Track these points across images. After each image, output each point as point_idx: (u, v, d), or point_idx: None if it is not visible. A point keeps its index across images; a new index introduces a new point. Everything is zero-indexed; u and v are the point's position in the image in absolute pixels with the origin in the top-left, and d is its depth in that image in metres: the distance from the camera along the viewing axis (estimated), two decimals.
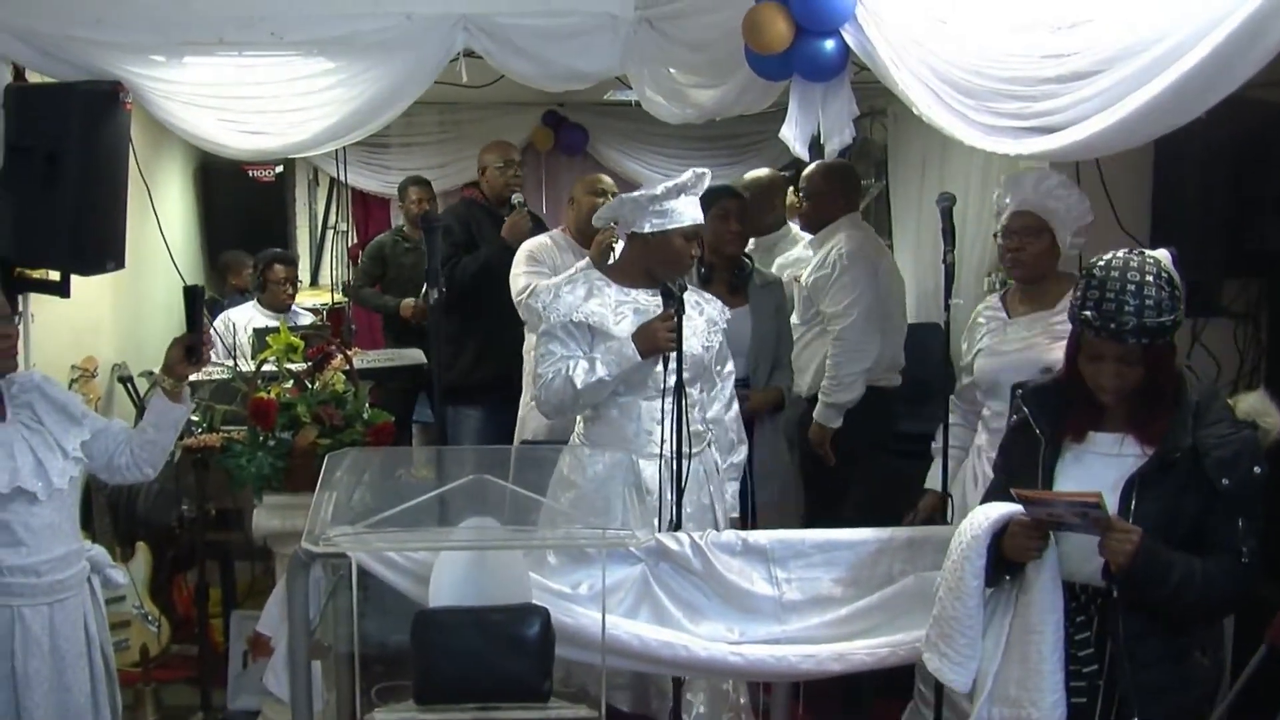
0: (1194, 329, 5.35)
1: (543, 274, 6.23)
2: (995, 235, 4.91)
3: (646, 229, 4.69)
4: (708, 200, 5.65)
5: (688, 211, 4.68)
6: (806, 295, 6.10)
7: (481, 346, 6.70)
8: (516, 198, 6.77)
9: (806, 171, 6.40)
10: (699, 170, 4.70)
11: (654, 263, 4.74)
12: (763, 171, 7.11)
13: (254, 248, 8.57)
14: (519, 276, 6.31)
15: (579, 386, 4.56)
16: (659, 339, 4.51)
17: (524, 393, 6.52)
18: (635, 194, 4.79)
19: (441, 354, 7.03)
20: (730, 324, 5.04)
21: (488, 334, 6.55)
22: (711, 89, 5.58)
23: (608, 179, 6.56)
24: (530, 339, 6.44)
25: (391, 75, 5.83)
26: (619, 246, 5.74)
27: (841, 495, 5.89)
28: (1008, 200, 4.83)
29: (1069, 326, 4.52)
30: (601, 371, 4.56)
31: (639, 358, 4.54)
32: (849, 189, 6.38)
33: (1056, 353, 4.53)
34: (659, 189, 4.68)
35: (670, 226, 4.66)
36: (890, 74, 4.22)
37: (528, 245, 6.42)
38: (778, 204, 7.03)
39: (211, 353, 4.59)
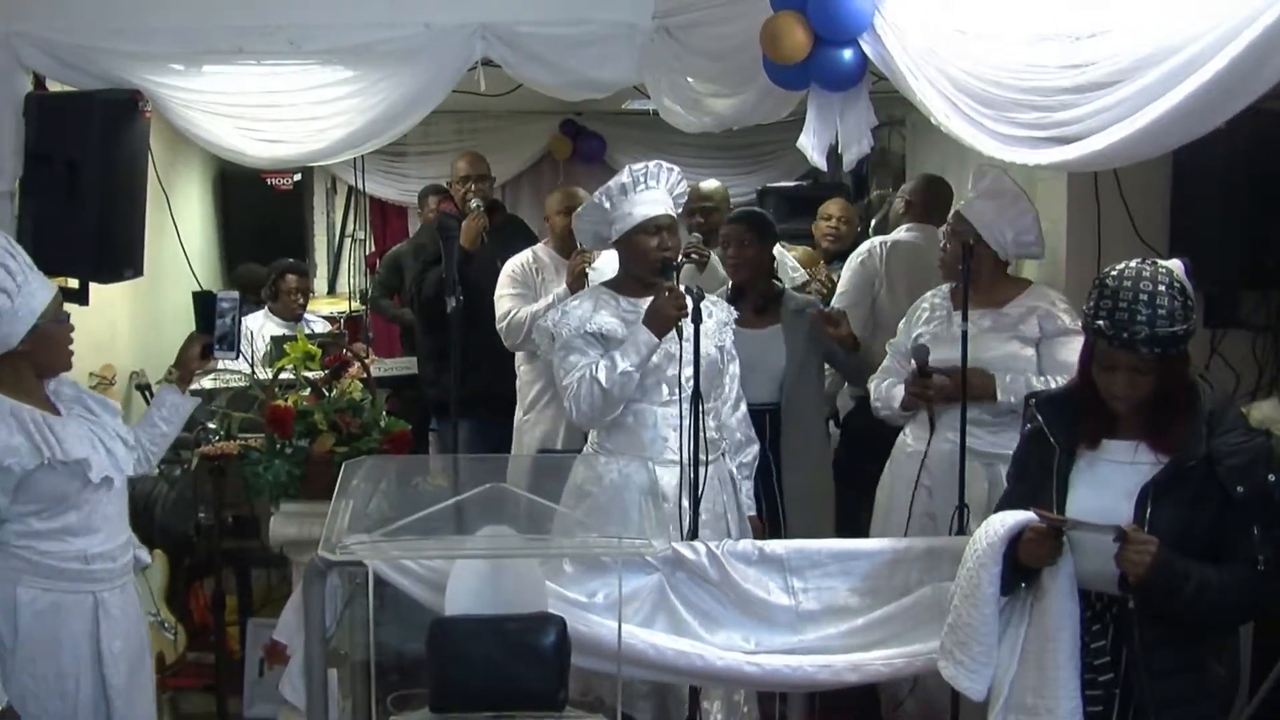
0: (1213, 340, 5.35)
1: (525, 297, 6.27)
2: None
3: (614, 235, 4.77)
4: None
5: (640, 208, 4.71)
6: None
7: (467, 360, 6.56)
8: (474, 203, 6.76)
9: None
10: (637, 166, 4.75)
11: (631, 264, 4.82)
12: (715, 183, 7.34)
13: (272, 256, 8.61)
14: (501, 299, 6.35)
15: (605, 385, 4.55)
16: (667, 311, 4.52)
17: (518, 408, 6.51)
18: (585, 205, 4.88)
19: (427, 369, 7.06)
20: (760, 344, 5.07)
21: (472, 348, 6.46)
22: (729, 98, 5.58)
23: (579, 192, 6.44)
24: (520, 356, 6.47)
25: (410, 84, 5.84)
26: (595, 267, 5.80)
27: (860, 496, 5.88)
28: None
29: (1017, 322, 4.63)
30: (624, 364, 4.55)
31: (655, 339, 4.55)
32: (919, 195, 6.85)
33: (994, 347, 4.80)
34: (598, 196, 4.77)
35: (629, 226, 4.71)
36: (908, 83, 4.21)
37: (511, 264, 6.45)
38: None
39: (237, 353, 4.68)
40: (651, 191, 4.73)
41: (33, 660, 3.83)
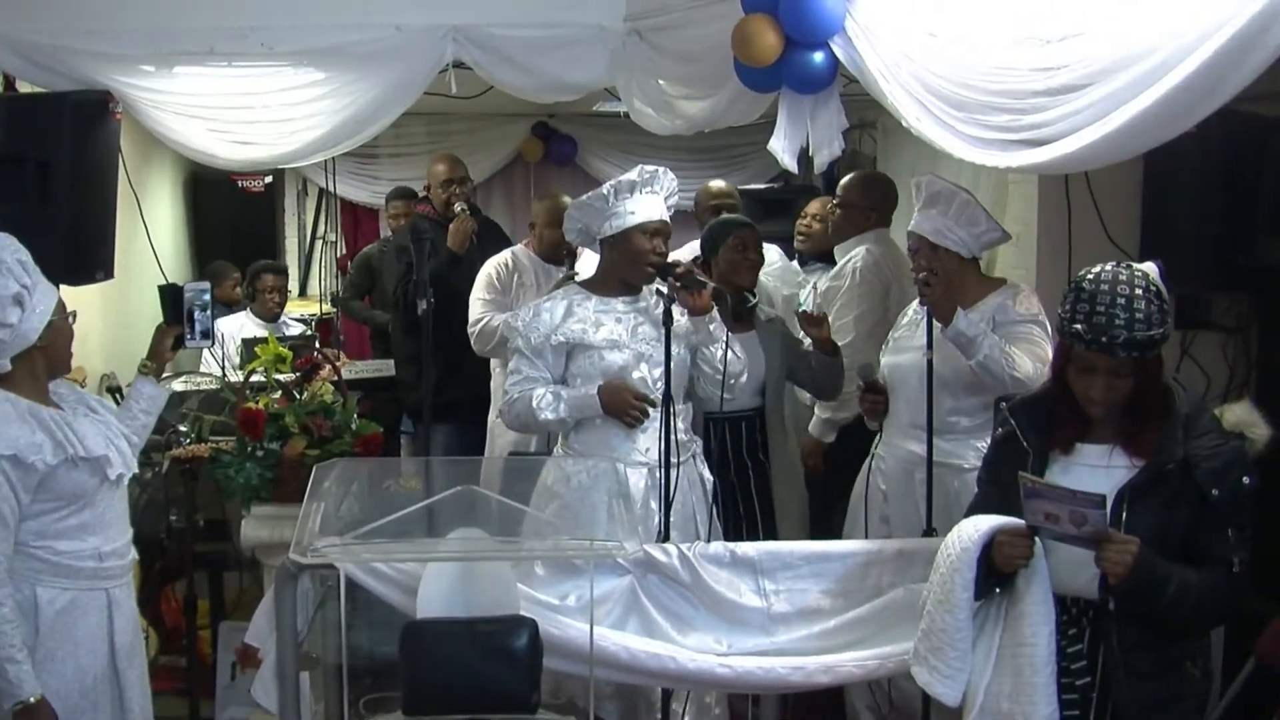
0: (1183, 342, 5.36)
1: (499, 304, 6.27)
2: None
3: (607, 231, 4.74)
4: (723, 231, 5.60)
5: (642, 209, 4.70)
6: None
7: (446, 364, 6.51)
8: (458, 206, 6.72)
9: (844, 180, 6.45)
10: (648, 167, 4.74)
11: (620, 264, 4.79)
12: (723, 181, 7.27)
13: (243, 258, 8.61)
14: (475, 303, 6.34)
15: (539, 419, 4.66)
16: (626, 410, 4.59)
17: (491, 409, 6.50)
18: (586, 197, 4.83)
19: (406, 373, 7.02)
20: (742, 348, 5.05)
21: (451, 351, 6.43)
22: (700, 100, 5.58)
23: (567, 200, 6.17)
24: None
25: (381, 86, 5.83)
26: (577, 270, 5.78)
27: (830, 512, 5.84)
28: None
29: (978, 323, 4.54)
30: (563, 412, 4.64)
31: (600, 411, 4.62)
32: (883, 203, 6.36)
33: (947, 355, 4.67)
34: (605, 188, 4.74)
35: (628, 225, 4.69)
36: (879, 86, 4.22)
37: (489, 267, 6.44)
38: None
39: (207, 352, 4.71)
40: (655, 196, 4.73)
41: (53, 658, 3.86)
